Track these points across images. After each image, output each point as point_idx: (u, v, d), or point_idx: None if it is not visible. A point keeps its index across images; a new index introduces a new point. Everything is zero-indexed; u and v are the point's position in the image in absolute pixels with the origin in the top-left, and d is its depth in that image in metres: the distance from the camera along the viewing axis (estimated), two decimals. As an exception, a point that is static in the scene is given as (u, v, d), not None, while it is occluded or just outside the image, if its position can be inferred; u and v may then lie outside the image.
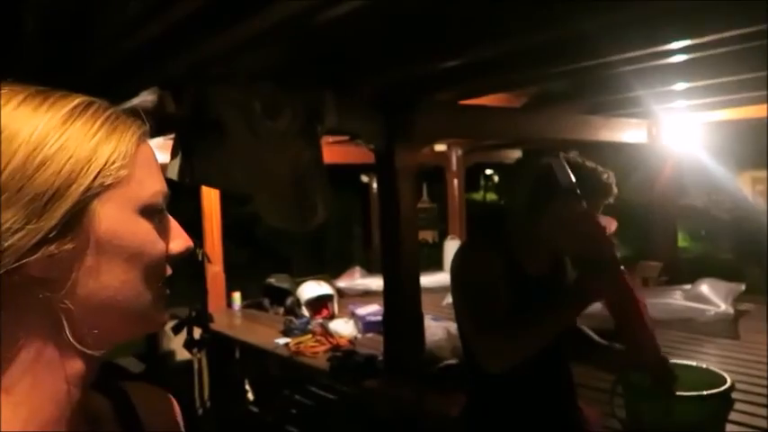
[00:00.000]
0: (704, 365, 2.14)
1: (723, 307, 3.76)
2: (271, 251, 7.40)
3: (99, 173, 0.49)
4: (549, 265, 1.74)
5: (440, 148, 6.07)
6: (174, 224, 0.55)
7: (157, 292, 0.53)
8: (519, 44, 2.73)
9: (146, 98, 2.36)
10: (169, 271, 0.54)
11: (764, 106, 4.45)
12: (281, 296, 4.78)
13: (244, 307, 5.02)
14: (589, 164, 1.70)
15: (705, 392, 1.77)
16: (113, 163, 0.50)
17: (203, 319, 2.68)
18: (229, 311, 4.91)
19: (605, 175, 1.70)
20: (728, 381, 1.90)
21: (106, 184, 0.49)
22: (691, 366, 2.15)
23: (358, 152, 4.77)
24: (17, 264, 0.44)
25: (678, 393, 1.77)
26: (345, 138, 4.38)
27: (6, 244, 0.44)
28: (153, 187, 0.52)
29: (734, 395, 1.84)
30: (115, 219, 0.50)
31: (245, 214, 6.91)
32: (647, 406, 1.87)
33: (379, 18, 2.27)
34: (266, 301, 4.91)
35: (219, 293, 4.89)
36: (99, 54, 2.09)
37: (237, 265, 5.16)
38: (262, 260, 6.72)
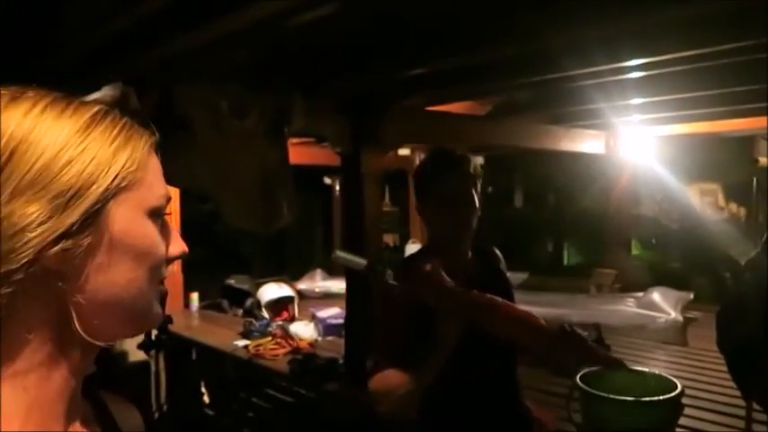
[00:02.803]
0: (655, 371, 2.22)
1: (673, 315, 3.91)
2: (229, 251, 7.28)
3: (117, 175, 0.52)
4: (473, 278, 1.59)
5: (403, 152, 6.11)
6: (172, 228, 0.59)
7: (157, 291, 0.56)
8: (486, 55, 2.79)
9: (107, 93, 2.30)
10: (166, 273, 0.58)
11: (715, 122, 4.66)
12: (240, 297, 4.72)
13: (202, 308, 4.93)
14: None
15: (659, 397, 1.84)
16: (129, 167, 0.53)
17: (163, 321, 2.63)
18: (186, 312, 4.82)
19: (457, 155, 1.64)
20: (679, 386, 1.98)
21: (122, 186, 0.52)
22: (642, 372, 2.23)
23: (321, 153, 4.77)
24: (36, 255, 0.47)
25: (631, 399, 1.84)
26: (308, 139, 4.36)
27: (30, 236, 0.47)
28: (159, 191, 0.56)
29: (683, 400, 1.92)
30: (128, 219, 0.53)
31: (202, 212, 6.78)
32: (602, 410, 1.93)
33: (350, 23, 2.28)
34: (225, 303, 4.84)
35: (177, 294, 4.80)
36: (63, 46, 2.03)
37: (195, 265, 5.07)
38: (220, 260, 6.61)
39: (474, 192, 1.57)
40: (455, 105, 3.61)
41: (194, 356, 4.30)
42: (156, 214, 0.55)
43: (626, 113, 4.19)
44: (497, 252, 1.86)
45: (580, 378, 2.05)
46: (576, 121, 4.42)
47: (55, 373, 0.52)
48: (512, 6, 2.49)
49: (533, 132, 4.22)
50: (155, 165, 0.57)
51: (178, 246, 0.59)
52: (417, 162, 6.38)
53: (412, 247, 6.29)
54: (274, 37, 2.19)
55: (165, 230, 0.57)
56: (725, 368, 2.20)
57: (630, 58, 2.96)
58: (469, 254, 1.67)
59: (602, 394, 1.91)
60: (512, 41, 2.64)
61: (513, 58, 2.92)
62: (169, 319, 2.72)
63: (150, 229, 0.55)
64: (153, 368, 3.29)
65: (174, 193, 4.65)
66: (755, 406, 2.13)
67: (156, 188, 0.56)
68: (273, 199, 2.55)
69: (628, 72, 3.22)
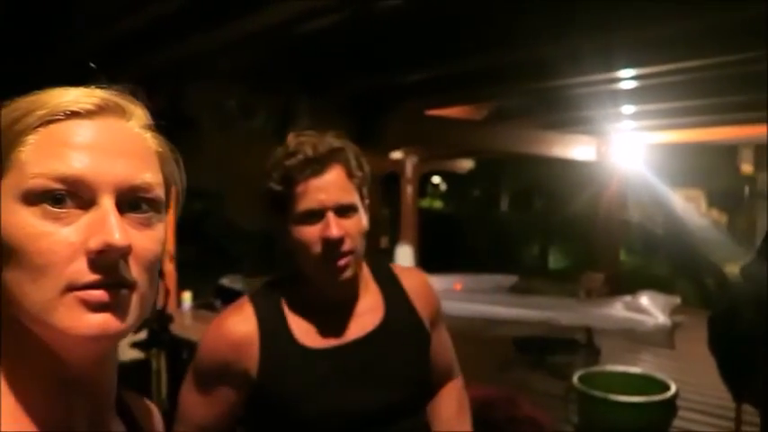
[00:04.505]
0: (649, 373, 2.30)
1: (661, 319, 3.99)
2: (220, 249, 7.26)
3: None
4: (330, 333, 1.00)
5: (395, 155, 6.15)
6: (100, 217, 0.45)
7: (60, 296, 0.44)
8: (485, 62, 2.85)
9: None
10: (87, 276, 0.44)
11: (701, 130, 4.78)
12: (233, 297, 4.68)
13: (194, 307, 4.91)
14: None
15: (654, 398, 1.91)
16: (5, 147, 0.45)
17: (163, 319, 2.63)
18: (179, 312, 4.79)
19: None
20: (673, 387, 2.05)
21: None
22: (638, 374, 2.31)
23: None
24: None
25: (628, 400, 1.90)
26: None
27: None
28: (41, 169, 0.44)
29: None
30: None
31: (193, 211, 6.76)
32: (600, 411, 2.00)
33: (354, 31, 2.32)
34: (218, 303, 4.82)
35: (170, 293, 4.77)
36: (73, 44, 2.04)
37: (187, 264, 5.04)
38: (212, 259, 6.59)
39: (357, 198, 0.97)
40: (453, 110, 3.67)
41: (185, 356, 4.28)
42: (35, 198, 0.44)
43: (617, 121, 4.29)
44: (409, 273, 1.11)
45: (578, 379, 2.12)
46: (569, 126, 4.51)
47: (36, 371, 0.48)
48: (510, 15, 2.55)
49: (527, 137, 4.30)
50: (51, 139, 0.46)
51: (96, 238, 0.44)
52: (409, 166, 6.43)
53: (402, 250, 6.34)
54: (282, 41, 2.23)
55: (89, 218, 0.45)
56: (712, 370, 2.26)
57: (623, 69, 3.06)
58: (359, 287, 1.04)
59: (600, 395, 1.98)
60: (510, 49, 2.71)
61: (511, 65, 2.99)
62: (170, 318, 2.72)
63: (21, 219, 0.44)
64: (154, 367, 3.27)
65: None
66: (744, 407, 2.20)
67: (36, 166, 0.44)
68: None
69: (620, 82, 3.32)
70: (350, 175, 0.96)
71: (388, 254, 6.61)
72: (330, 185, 0.94)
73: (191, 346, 4.17)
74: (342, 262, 0.94)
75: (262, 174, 0.96)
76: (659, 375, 2.17)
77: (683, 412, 2.64)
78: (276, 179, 0.95)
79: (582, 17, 2.49)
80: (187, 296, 4.90)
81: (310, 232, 0.94)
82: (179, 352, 4.23)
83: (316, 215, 0.94)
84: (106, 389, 0.54)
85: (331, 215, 0.93)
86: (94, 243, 0.44)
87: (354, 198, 0.96)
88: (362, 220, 0.97)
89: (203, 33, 1.98)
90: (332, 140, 0.95)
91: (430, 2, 2.23)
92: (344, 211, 0.94)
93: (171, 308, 4.66)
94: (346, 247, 0.94)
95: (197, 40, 2.02)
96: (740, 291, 2.01)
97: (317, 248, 0.94)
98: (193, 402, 1.01)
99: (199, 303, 4.95)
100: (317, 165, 0.93)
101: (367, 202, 0.99)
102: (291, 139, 0.95)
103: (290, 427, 0.97)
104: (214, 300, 4.84)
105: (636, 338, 3.92)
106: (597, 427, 2.02)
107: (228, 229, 6.51)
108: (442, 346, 1.11)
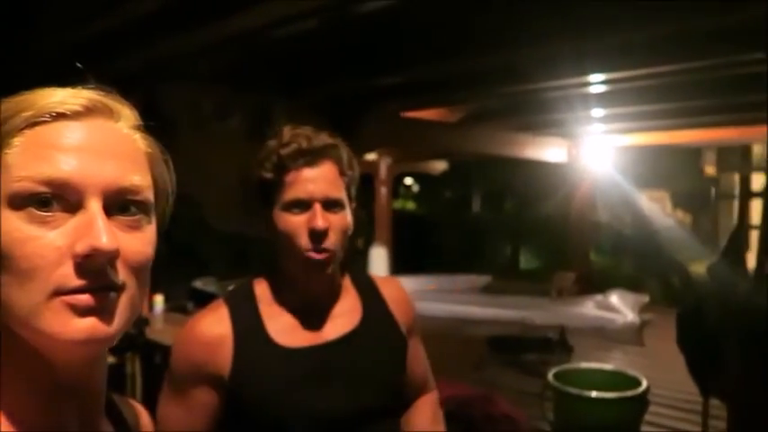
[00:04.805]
0: (621, 370, 2.36)
1: (630, 316, 4.10)
2: (192, 251, 7.15)
3: None
4: (306, 333, 1.00)
5: (370, 156, 6.17)
6: (87, 220, 0.45)
7: (47, 300, 0.44)
8: (459, 66, 2.89)
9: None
10: (74, 280, 0.44)
11: (666, 133, 4.93)
12: (206, 300, 4.65)
13: (166, 310, 4.84)
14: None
15: (627, 393, 1.97)
16: None
17: (138, 322, 2.60)
18: (150, 315, 4.72)
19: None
20: (644, 383, 2.12)
21: None
22: (610, 371, 2.37)
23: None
24: None
25: (602, 395, 1.96)
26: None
27: None
28: (27, 172, 0.44)
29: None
30: None
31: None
32: (575, 407, 2.04)
33: (331, 34, 2.34)
34: (191, 305, 4.76)
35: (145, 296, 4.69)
36: (51, 42, 2.00)
37: (158, 266, 4.95)
38: (183, 261, 6.48)
39: (345, 195, 0.97)
40: (428, 112, 3.70)
41: (158, 360, 4.22)
42: (20, 202, 0.44)
43: (588, 124, 4.39)
44: (388, 283, 1.11)
45: (552, 376, 2.17)
46: (541, 128, 4.59)
47: (29, 376, 0.48)
48: (484, 21, 2.60)
49: (500, 139, 4.36)
50: (36, 141, 0.46)
51: (84, 242, 0.44)
52: (384, 167, 6.46)
53: (377, 251, 6.38)
54: (258, 43, 2.23)
55: (76, 222, 0.45)
56: (679, 366, 2.34)
57: (594, 73, 3.15)
58: (341, 289, 1.05)
59: (575, 391, 2.03)
60: (484, 53, 2.75)
61: (485, 69, 3.04)
62: (146, 321, 2.69)
63: (7, 223, 0.44)
64: (129, 371, 3.23)
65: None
66: (712, 401, 2.28)
67: (21, 169, 0.44)
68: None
69: (591, 86, 3.41)
70: (341, 172, 0.95)
71: (363, 255, 6.63)
72: (320, 178, 0.94)
73: (163, 350, 4.11)
74: (324, 255, 0.94)
75: (252, 164, 0.92)
76: (630, 372, 2.23)
77: (653, 407, 2.72)
78: (268, 167, 0.94)
79: (554, 23, 2.55)
80: (159, 299, 4.81)
81: (296, 221, 0.94)
82: (151, 356, 4.16)
83: (303, 205, 0.93)
84: (96, 391, 0.54)
85: (318, 207, 0.93)
86: (81, 247, 0.44)
87: (342, 195, 0.95)
88: (348, 218, 0.97)
89: (181, 35, 1.97)
90: (326, 137, 0.95)
91: (406, 6, 2.26)
92: (332, 205, 0.94)
93: (144, 311, 4.59)
94: (329, 241, 0.94)
95: (174, 42, 2.00)
96: (707, 289, 2.08)
97: (302, 239, 0.93)
98: (172, 409, 0.98)
99: (171, 306, 4.87)
100: (310, 156, 0.93)
101: (353, 204, 0.99)
102: (287, 132, 0.95)
103: (263, 427, 0.96)
104: (186, 302, 4.78)
105: (606, 336, 4.01)
106: (573, 423, 2.07)
107: (201, 231, 6.42)
108: (417, 358, 1.11)
